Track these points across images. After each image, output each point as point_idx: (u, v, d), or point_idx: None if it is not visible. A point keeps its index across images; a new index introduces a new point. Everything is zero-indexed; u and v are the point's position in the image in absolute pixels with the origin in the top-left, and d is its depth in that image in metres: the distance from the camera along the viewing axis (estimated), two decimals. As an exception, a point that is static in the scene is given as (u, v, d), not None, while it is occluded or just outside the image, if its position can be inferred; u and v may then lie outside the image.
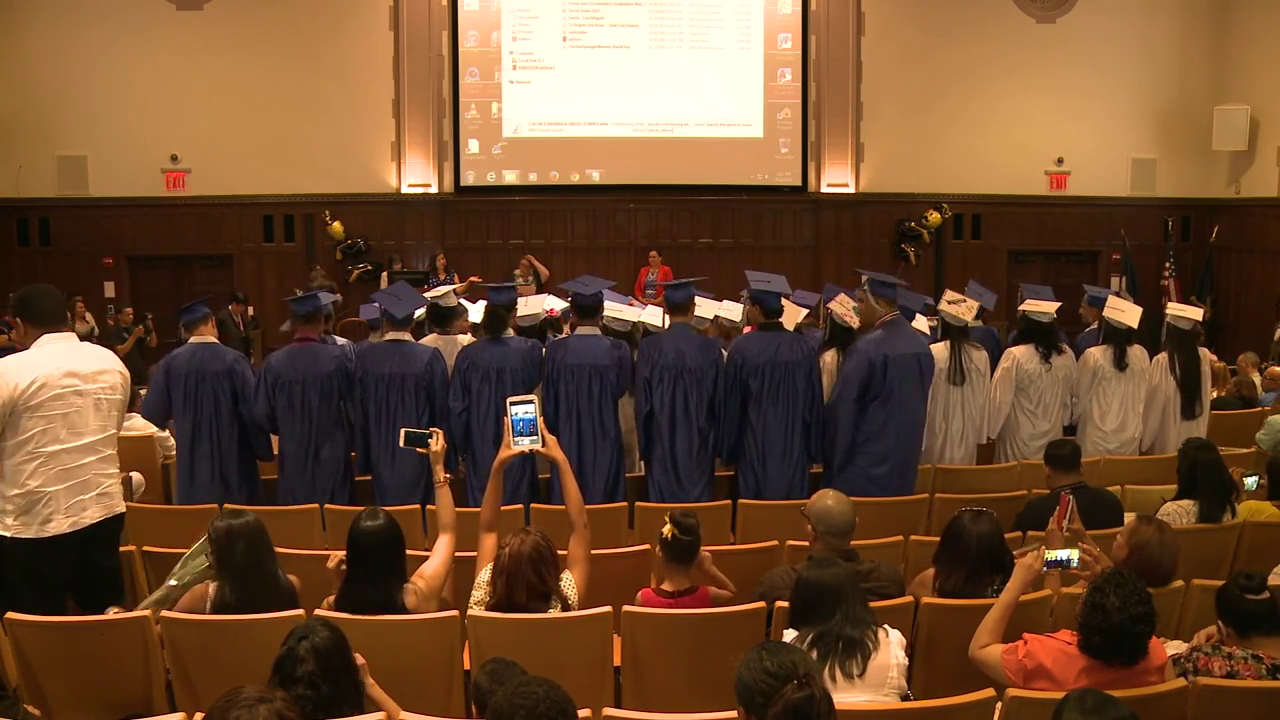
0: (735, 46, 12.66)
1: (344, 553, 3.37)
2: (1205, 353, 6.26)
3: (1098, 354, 5.94)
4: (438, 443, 3.78)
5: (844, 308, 5.93)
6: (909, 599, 3.50)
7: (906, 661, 3.01)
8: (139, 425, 6.16)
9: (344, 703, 2.66)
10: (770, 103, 12.73)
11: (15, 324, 3.87)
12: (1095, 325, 6.41)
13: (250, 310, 11.51)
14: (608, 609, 3.35)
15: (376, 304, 6.29)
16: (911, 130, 12.72)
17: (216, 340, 5.37)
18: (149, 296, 11.97)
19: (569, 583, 3.43)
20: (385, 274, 11.90)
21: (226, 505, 4.57)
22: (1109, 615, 2.79)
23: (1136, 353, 5.96)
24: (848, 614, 2.95)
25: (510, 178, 12.58)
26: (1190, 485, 4.49)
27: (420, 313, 5.96)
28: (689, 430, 5.24)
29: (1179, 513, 4.43)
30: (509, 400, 3.70)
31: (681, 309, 5.46)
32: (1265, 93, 12.01)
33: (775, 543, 4.19)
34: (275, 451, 5.43)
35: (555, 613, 3.34)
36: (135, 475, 5.64)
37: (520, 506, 4.83)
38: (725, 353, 5.47)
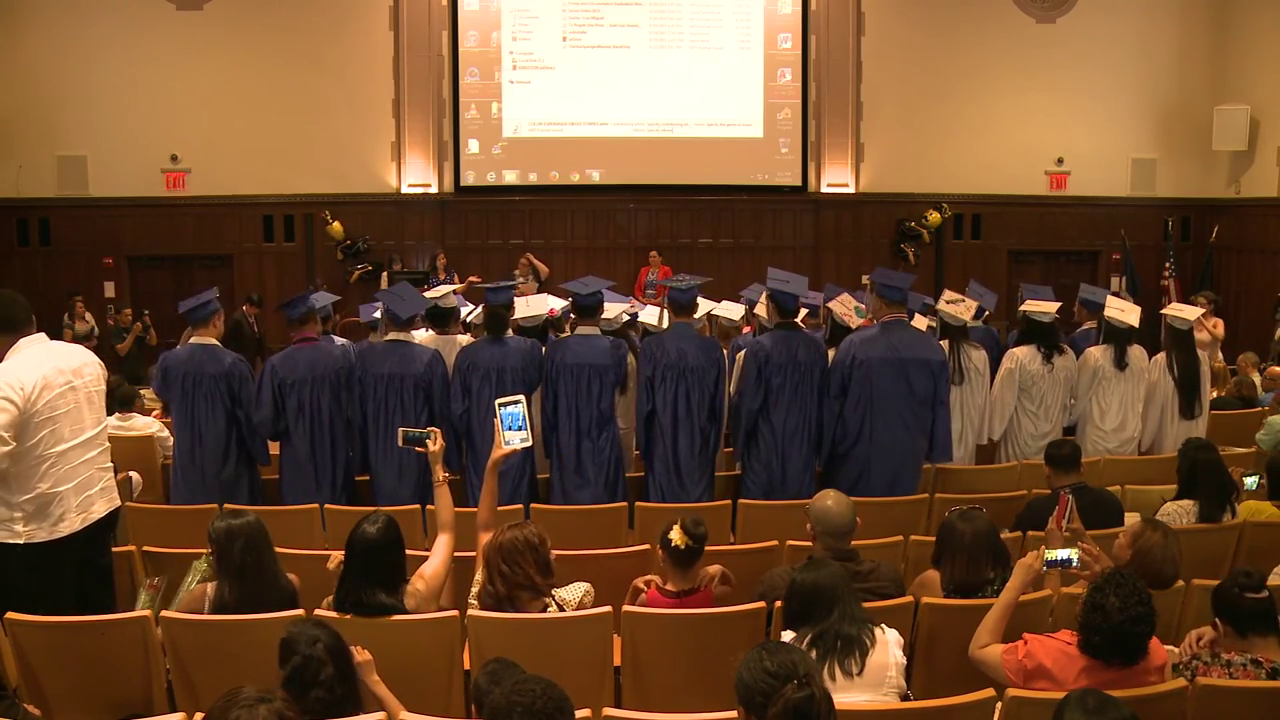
0: (735, 46, 12.66)
1: (343, 554, 3.37)
2: (1203, 353, 6.26)
3: (1097, 354, 5.94)
4: (436, 443, 3.79)
5: (844, 307, 5.94)
6: (909, 599, 3.50)
7: (905, 661, 3.01)
8: (139, 425, 6.16)
9: (349, 701, 2.67)
10: (770, 103, 12.73)
11: None
12: (1091, 325, 6.41)
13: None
14: (608, 609, 3.35)
15: (378, 304, 6.29)
16: (911, 130, 12.72)
17: (217, 342, 5.35)
18: (149, 296, 11.97)
19: (576, 593, 3.43)
20: (385, 274, 11.90)
21: (226, 505, 4.57)
22: (1109, 615, 2.79)
23: (1136, 352, 5.96)
24: (844, 612, 2.95)
25: (510, 178, 12.58)
26: (1190, 485, 4.49)
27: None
28: (690, 429, 5.25)
29: (1179, 513, 4.43)
30: (498, 402, 3.82)
31: (685, 310, 5.47)
32: (1265, 93, 12.01)
33: (775, 543, 4.19)
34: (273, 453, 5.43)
35: (552, 612, 3.34)
36: (134, 475, 5.63)
37: (519, 506, 4.84)
38: (734, 353, 5.48)
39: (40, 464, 3.66)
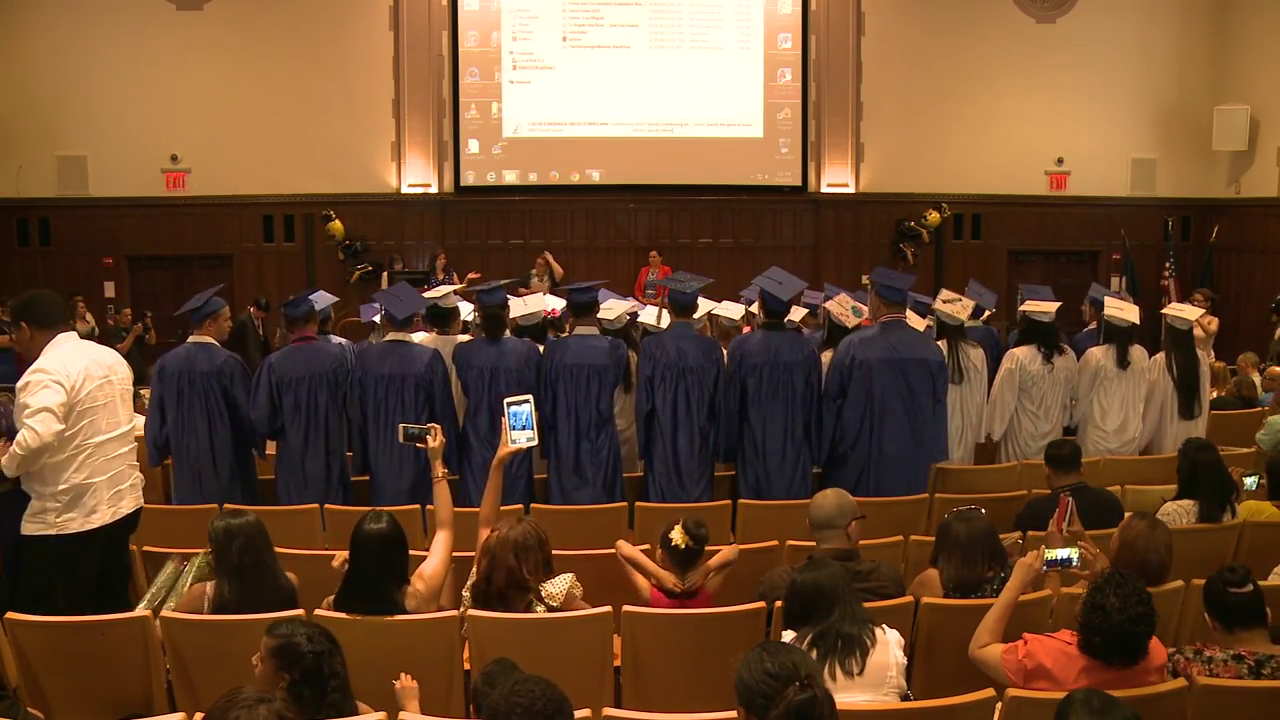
0: (735, 46, 12.66)
1: (347, 553, 3.37)
2: (1203, 353, 6.26)
3: (1099, 354, 5.94)
4: (435, 439, 3.79)
5: (841, 307, 5.94)
6: (909, 599, 3.50)
7: (905, 661, 3.01)
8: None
9: (348, 702, 2.67)
10: (770, 103, 12.73)
11: (22, 328, 3.88)
12: (1094, 325, 6.41)
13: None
14: (608, 609, 3.35)
15: (377, 304, 6.28)
16: (911, 130, 12.72)
17: (215, 342, 5.34)
18: (149, 296, 11.97)
19: (562, 585, 3.42)
20: (385, 274, 11.90)
21: (226, 505, 4.57)
22: (1109, 616, 2.79)
23: (1137, 352, 5.96)
24: (845, 612, 2.95)
25: (510, 178, 12.58)
26: (1190, 485, 4.49)
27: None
28: (690, 429, 5.25)
29: (1179, 513, 4.43)
30: (506, 401, 3.84)
31: (687, 310, 5.47)
32: (1265, 93, 12.01)
33: (775, 543, 4.19)
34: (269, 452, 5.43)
35: (540, 613, 3.34)
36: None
37: (519, 506, 4.84)
38: (726, 352, 5.48)
39: (78, 454, 3.76)
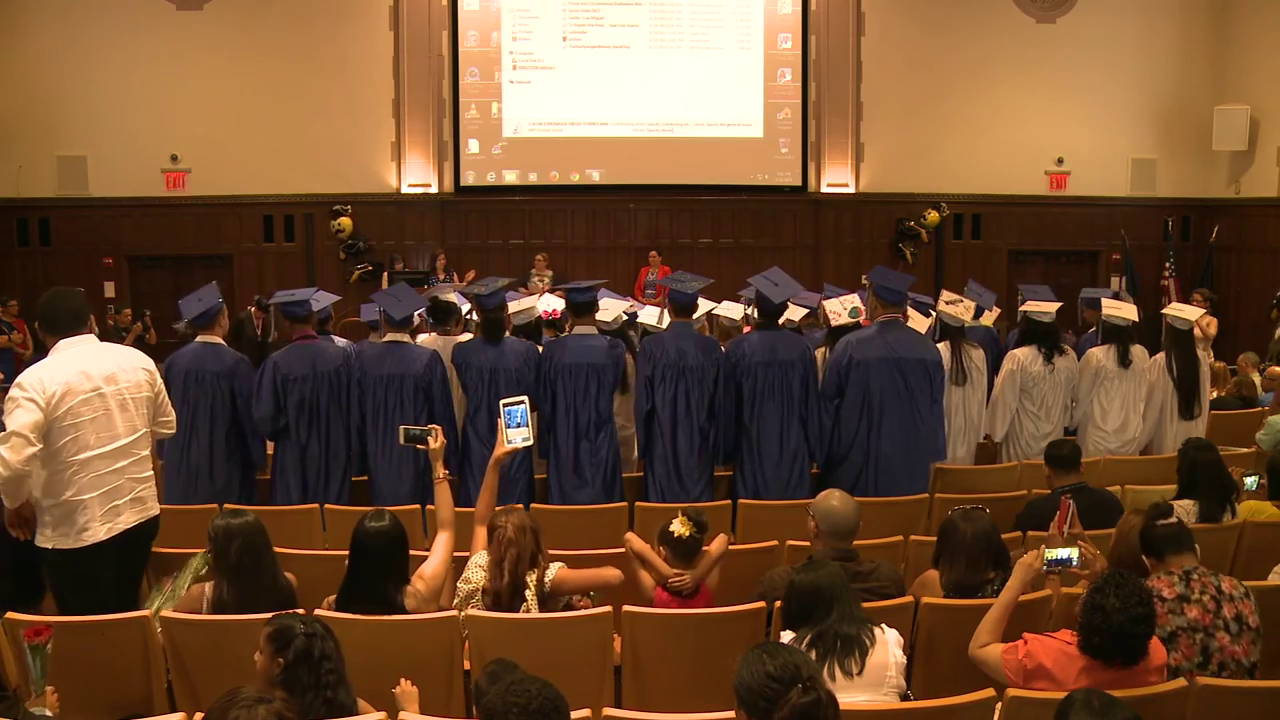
0: (735, 46, 12.66)
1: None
2: (1202, 353, 6.26)
3: (1099, 354, 5.94)
4: (436, 440, 3.80)
5: (840, 306, 5.95)
6: (909, 599, 3.50)
7: (905, 660, 3.01)
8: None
9: (346, 702, 2.67)
10: (770, 103, 12.73)
11: (37, 330, 3.86)
12: (1094, 326, 6.41)
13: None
14: (608, 609, 3.35)
15: (374, 305, 6.28)
16: (911, 130, 12.72)
17: (223, 341, 5.33)
18: (149, 296, 11.97)
19: (553, 569, 3.45)
20: (385, 274, 11.90)
21: (226, 505, 4.57)
22: (1109, 616, 2.79)
23: (1137, 352, 5.96)
24: (844, 612, 2.95)
25: (510, 178, 12.58)
26: (1190, 485, 4.49)
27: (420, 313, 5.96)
28: (690, 429, 5.25)
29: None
30: (502, 401, 3.88)
31: (686, 311, 5.47)
32: (1265, 93, 12.01)
33: (775, 543, 4.19)
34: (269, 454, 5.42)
35: (529, 601, 3.37)
36: None
37: (519, 507, 4.82)
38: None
39: (64, 470, 3.63)
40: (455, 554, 3.65)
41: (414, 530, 4.46)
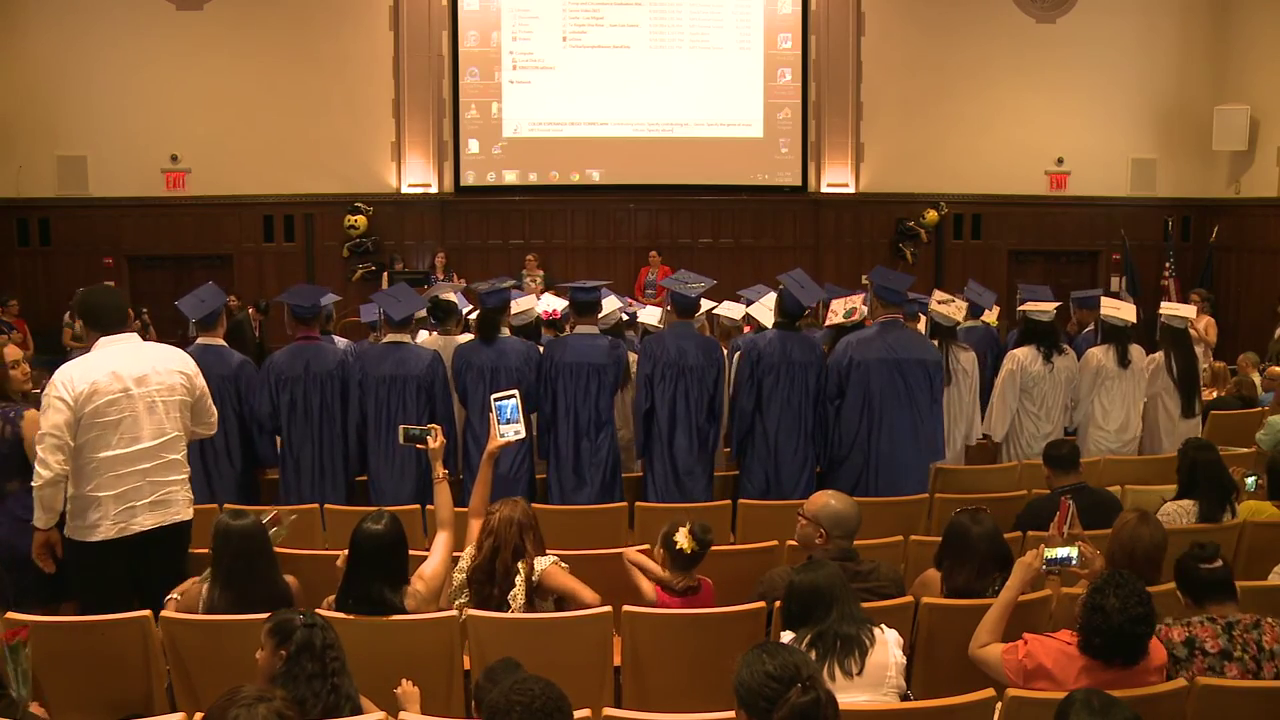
0: (735, 46, 12.66)
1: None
2: (1198, 350, 6.27)
3: (1099, 354, 5.94)
4: (436, 439, 3.80)
5: (838, 306, 5.95)
6: (909, 599, 3.50)
7: (905, 660, 3.01)
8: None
9: (347, 701, 2.67)
10: (770, 103, 12.74)
11: (80, 326, 3.90)
12: (1092, 326, 6.41)
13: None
14: (608, 609, 3.35)
15: (375, 305, 6.28)
16: (911, 130, 12.72)
17: (224, 343, 5.33)
18: (149, 296, 11.95)
19: (544, 562, 3.46)
20: (385, 274, 11.91)
21: (227, 505, 4.57)
22: (1109, 617, 2.79)
23: (1135, 352, 5.96)
24: (843, 612, 2.95)
25: (510, 178, 12.58)
26: (1190, 485, 4.49)
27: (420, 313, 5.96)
28: (689, 428, 5.25)
29: (1179, 513, 4.43)
30: (492, 396, 3.93)
31: (688, 312, 5.48)
32: (1265, 93, 12.01)
33: (775, 543, 4.18)
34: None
35: (520, 584, 3.38)
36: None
37: (520, 501, 4.81)
38: (732, 353, 5.49)
39: (85, 465, 3.68)
40: (456, 554, 3.64)
41: (414, 530, 4.47)
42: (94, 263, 12.01)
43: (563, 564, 3.51)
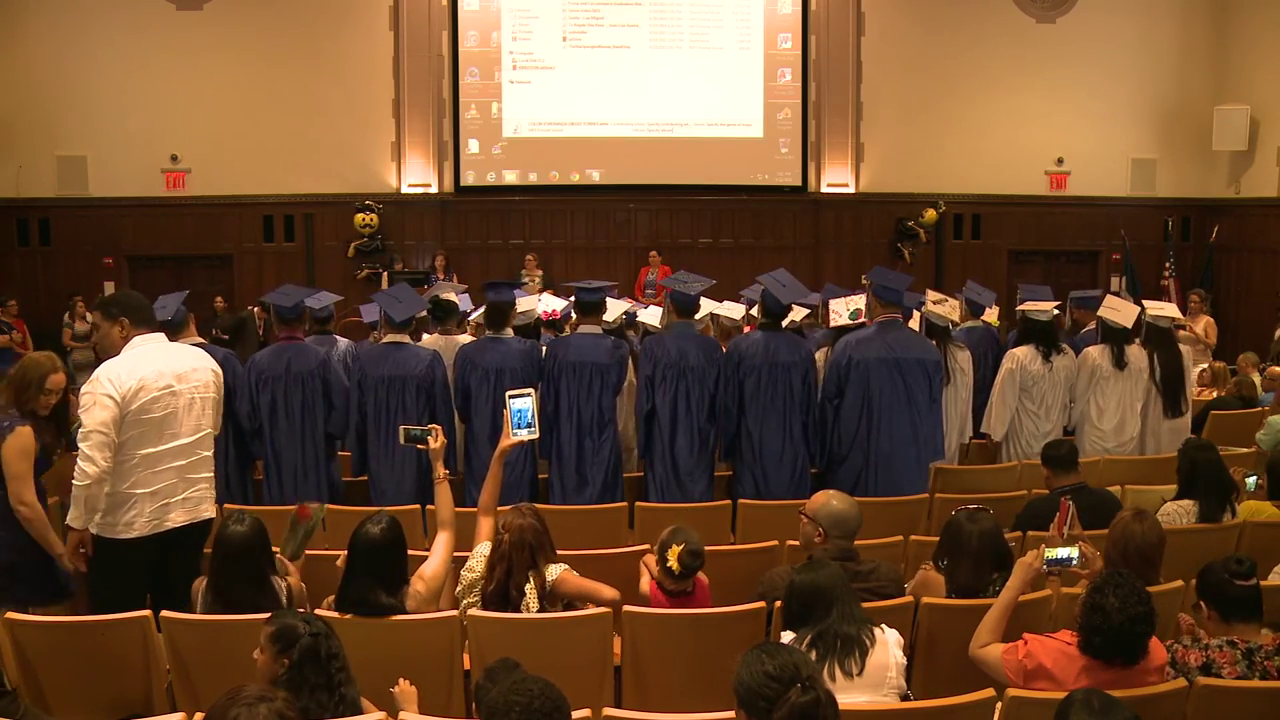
0: (735, 46, 12.66)
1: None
2: (1186, 350, 6.26)
3: (1095, 354, 5.94)
4: (436, 440, 3.80)
5: (841, 307, 5.95)
6: (909, 599, 3.50)
7: (905, 661, 3.01)
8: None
9: (347, 701, 2.67)
10: (770, 103, 12.73)
11: (119, 322, 3.87)
12: (1093, 325, 6.41)
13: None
14: (608, 609, 3.35)
15: (376, 305, 6.28)
16: (911, 130, 12.72)
17: (202, 340, 5.31)
18: (149, 296, 11.86)
19: (555, 571, 3.44)
20: (385, 274, 11.91)
21: (227, 505, 4.57)
22: (1109, 616, 2.79)
23: (1134, 352, 5.96)
24: (844, 612, 2.95)
25: (510, 178, 12.58)
26: (1190, 485, 4.49)
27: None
28: (690, 429, 5.25)
29: (1179, 513, 4.43)
30: (508, 393, 3.90)
31: (688, 312, 5.47)
32: (1265, 93, 12.01)
33: (775, 543, 4.18)
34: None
35: (531, 594, 3.36)
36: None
37: (528, 512, 4.81)
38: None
39: (124, 462, 3.69)
40: (456, 554, 3.64)
41: (414, 530, 4.47)
42: (94, 263, 12.02)
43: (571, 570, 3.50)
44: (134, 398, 3.67)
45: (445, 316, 6.06)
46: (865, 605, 3.15)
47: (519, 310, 6.03)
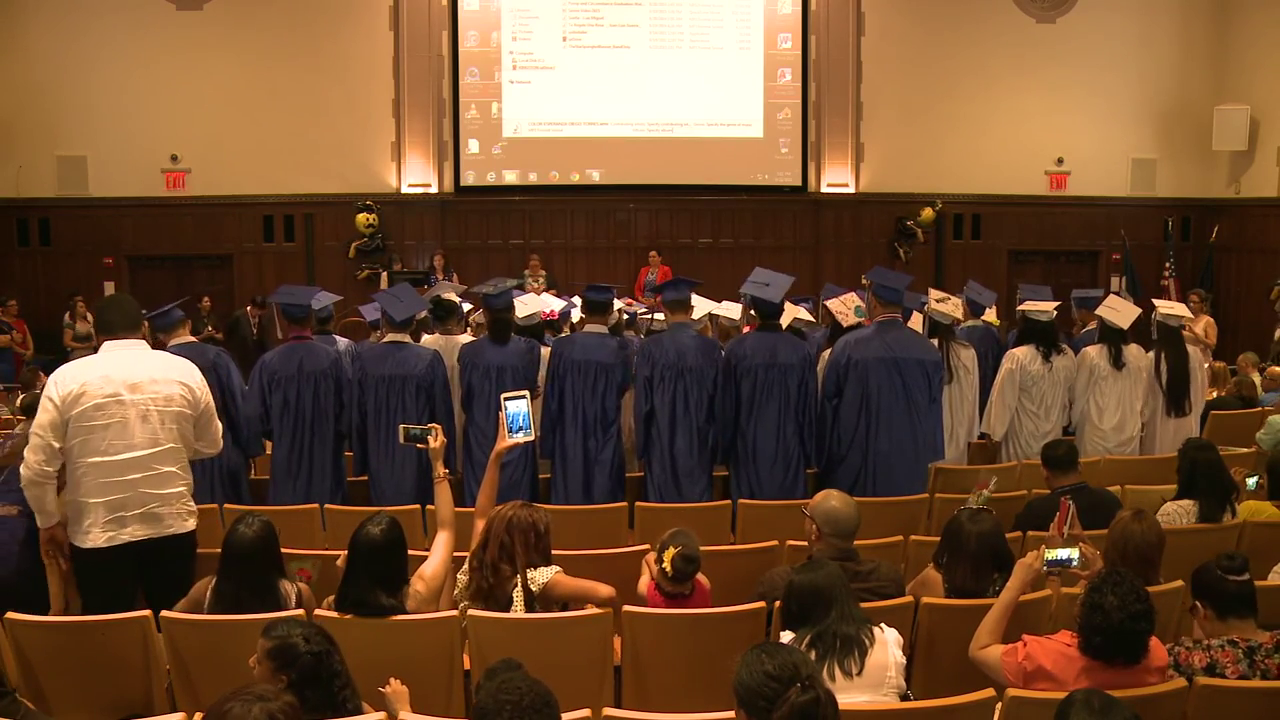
0: (735, 46, 12.66)
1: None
2: (1195, 351, 6.27)
3: (1094, 353, 5.94)
4: (436, 439, 3.80)
5: (844, 306, 5.95)
6: (909, 599, 3.50)
7: (904, 660, 3.01)
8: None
9: (348, 701, 2.66)
10: (770, 103, 12.74)
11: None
12: (1093, 324, 6.41)
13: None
14: (608, 609, 3.35)
15: (376, 305, 6.29)
16: (911, 130, 12.73)
17: (194, 339, 5.30)
18: (149, 296, 11.88)
19: (545, 574, 3.41)
20: (385, 274, 11.92)
21: (228, 505, 4.57)
22: (1108, 615, 2.79)
23: (1133, 351, 5.96)
24: (843, 612, 2.95)
25: (510, 178, 12.58)
26: (1190, 485, 4.49)
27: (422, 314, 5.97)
28: (689, 430, 5.24)
29: (1179, 513, 4.43)
30: (504, 396, 3.89)
31: (680, 308, 5.47)
32: (1265, 93, 12.01)
33: (775, 543, 4.18)
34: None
35: (518, 596, 3.35)
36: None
37: (521, 505, 4.82)
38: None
39: (75, 470, 3.65)
40: (456, 554, 3.64)
41: (414, 531, 4.47)
42: (94, 263, 12.03)
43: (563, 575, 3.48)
44: (74, 403, 3.58)
45: (445, 316, 6.06)
46: (865, 605, 3.15)
47: (528, 312, 6.04)
